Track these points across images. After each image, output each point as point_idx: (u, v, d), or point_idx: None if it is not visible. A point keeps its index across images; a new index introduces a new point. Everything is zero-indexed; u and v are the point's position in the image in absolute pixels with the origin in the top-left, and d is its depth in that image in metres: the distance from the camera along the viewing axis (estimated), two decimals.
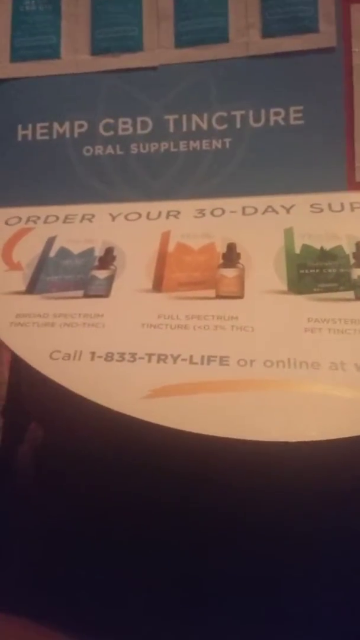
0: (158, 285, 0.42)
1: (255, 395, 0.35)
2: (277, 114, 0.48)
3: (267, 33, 0.48)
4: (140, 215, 0.47)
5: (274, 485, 0.35)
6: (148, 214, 0.47)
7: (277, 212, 0.46)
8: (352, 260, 0.41)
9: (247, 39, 0.48)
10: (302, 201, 0.46)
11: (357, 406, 0.34)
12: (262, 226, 0.45)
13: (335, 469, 0.34)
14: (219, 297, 0.41)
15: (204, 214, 0.46)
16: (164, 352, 0.37)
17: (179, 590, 0.37)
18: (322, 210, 0.45)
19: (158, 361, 0.37)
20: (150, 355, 0.37)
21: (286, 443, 0.33)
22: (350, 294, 0.39)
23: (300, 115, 0.47)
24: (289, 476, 0.34)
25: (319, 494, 0.35)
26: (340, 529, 0.36)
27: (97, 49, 0.50)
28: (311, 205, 0.45)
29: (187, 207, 0.47)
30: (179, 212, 0.47)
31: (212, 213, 0.46)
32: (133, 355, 0.37)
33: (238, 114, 0.48)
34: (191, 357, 0.37)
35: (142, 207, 0.48)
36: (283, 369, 0.36)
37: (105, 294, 0.41)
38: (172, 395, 0.35)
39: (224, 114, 0.48)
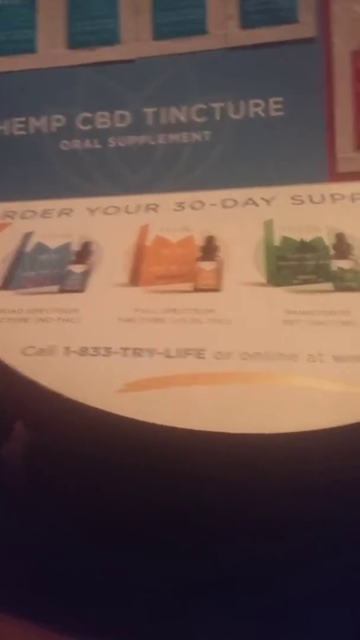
0: (135, 279, 0.41)
1: (231, 387, 0.34)
2: (256, 105, 0.47)
3: (245, 24, 0.47)
4: (118, 209, 0.47)
5: (253, 477, 0.34)
6: (127, 208, 0.47)
7: (257, 205, 0.45)
8: (332, 252, 0.41)
9: (226, 31, 0.48)
10: (282, 193, 0.45)
11: (334, 398, 0.33)
12: (242, 219, 0.44)
13: (312, 460, 0.33)
14: (196, 290, 0.40)
15: (183, 207, 0.46)
16: (139, 346, 0.36)
17: (168, 589, 0.37)
18: (302, 202, 0.44)
19: (133, 355, 0.36)
20: (125, 349, 0.36)
21: (261, 435, 0.32)
22: (329, 286, 0.39)
23: (280, 106, 0.47)
24: (266, 468, 0.34)
25: (296, 485, 0.34)
26: (320, 521, 0.36)
27: (74, 43, 0.49)
28: (292, 197, 0.45)
29: (167, 200, 0.47)
30: (158, 206, 0.46)
31: (191, 206, 0.46)
32: (108, 349, 0.36)
33: (217, 106, 0.48)
34: (167, 350, 0.36)
35: (121, 200, 0.47)
36: (260, 361, 0.35)
37: (81, 288, 0.40)
38: (147, 389, 0.35)
39: (203, 106, 0.48)
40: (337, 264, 0.40)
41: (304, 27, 0.46)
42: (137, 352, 0.36)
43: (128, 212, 0.46)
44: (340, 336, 0.36)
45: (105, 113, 0.49)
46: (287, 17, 0.46)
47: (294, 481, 0.33)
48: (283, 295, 0.39)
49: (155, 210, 0.46)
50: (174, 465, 0.35)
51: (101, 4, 0.49)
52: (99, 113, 0.49)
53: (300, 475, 0.33)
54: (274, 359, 0.35)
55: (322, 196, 0.44)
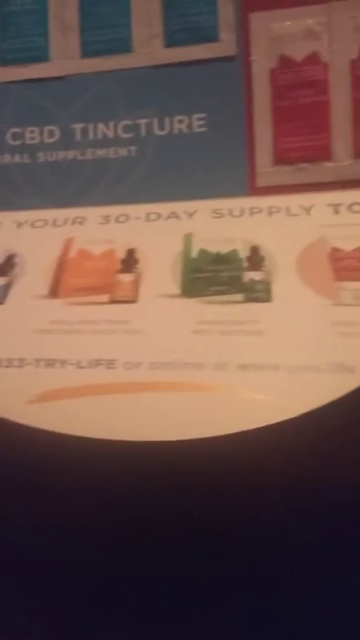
0: (55, 291, 0.42)
1: (138, 397, 0.35)
2: (180, 121, 0.48)
3: (169, 43, 0.49)
4: (46, 222, 0.48)
5: (159, 483, 0.35)
6: (54, 221, 0.47)
7: (179, 218, 0.46)
8: (246, 264, 0.42)
9: (151, 49, 0.49)
10: (204, 207, 0.46)
11: (237, 405, 0.35)
12: (164, 232, 0.45)
13: (215, 465, 0.34)
14: (113, 302, 0.41)
15: (108, 221, 0.47)
16: (52, 357, 0.37)
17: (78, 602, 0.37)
18: (222, 216, 0.46)
19: (46, 366, 0.37)
20: (38, 361, 0.37)
21: (166, 442, 0.33)
22: (240, 297, 0.40)
23: (203, 122, 0.48)
24: (172, 474, 0.35)
25: (201, 489, 0.35)
26: (225, 521, 0.36)
27: (5, 60, 0.50)
28: (213, 211, 0.46)
29: (93, 213, 0.48)
30: (85, 219, 0.47)
31: (116, 219, 0.47)
32: (21, 360, 0.37)
33: (143, 122, 0.49)
34: (79, 361, 0.37)
35: (49, 214, 0.48)
36: (168, 370, 0.36)
37: (1, 300, 0.41)
38: (56, 400, 0.36)
39: (129, 122, 0.49)
40: (249, 276, 0.41)
41: (225, 45, 0.48)
42: (50, 363, 0.37)
43: (55, 226, 0.47)
44: (246, 345, 0.37)
45: (35, 128, 0.50)
46: (209, 36, 0.48)
47: (199, 485, 0.35)
48: (195, 306, 0.40)
49: (81, 223, 0.47)
50: (83, 474, 0.36)
51: (31, 22, 0.50)
52: (29, 128, 0.50)
53: (205, 479, 0.34)
54: (182, 368, 0.36)
55: (242, 210, 0.46)
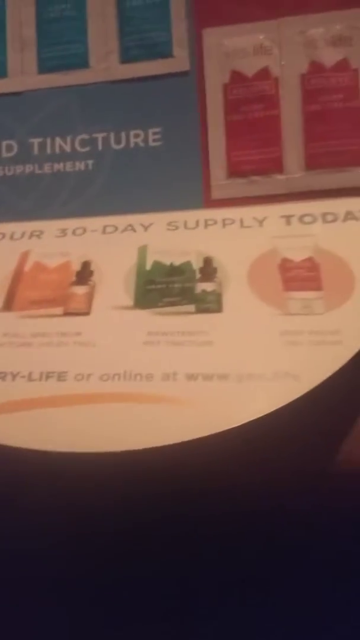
0: (9, 304, 0.42)
1: (87, 408, 0.36)
2: (137, 135, 0.49)
3: (125, 58, 0.50)
4: (4, 235, 0.48)
5: (108, 493, 0.36)
6: (12, 235, 0.48)
7: (135, 231, 0.47)
8: (199, 275, 0.42)
9: (107, 65, 0.50)
10: (160, 219, 0.47)
11: (182, 413, 0.35)
12: (120, 244, 0.46)
13: (161, 475, 0.35)
14: (66, 314, 0.41)
15: (65, 234, 0.47)
16: (3, 370, 0.38)
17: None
18: (177, 228, 0.46)
19: None
20: None
21: (114, 453, 0.34)
22: (192, 308, 0.40)
23: (158, 136, 0.49)
24: (121, 484, 0.35)
25: (149, 498, 0.35)
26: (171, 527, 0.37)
27: None
28: (168, 223, 0.47)
29: (51, 227, 0.48)
30: (42, 232, 0.48)
31: (73, 232, 0.47)
32: None
33: (100, 136, 0.50)
34: (30, 374, 0.37)
35: (6, 227, 0.48)
36: (118, 381, 0.37)
37: None
38: (6, 413, 0.36)
39: (86, 136, 0.50)
40: (201, 287, 0.41)
41: (179, 61, 0.49)
42: (1, 376, 0.37)
43: (13, 239, 0.47)
44: (195, 356, 0.37)
45: None
46: (163, 52, 0.49)
47: (146, 494, 0.35)
48: (147, 318, 0.40)
49: (39, 236, 0.47)
50: (34, 487, 0.36)
51: None
52: None
53: (151, 488, 0.35)
54: (132, 379, 0.37)
55: (197, 222, 0.46)
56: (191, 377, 0.36)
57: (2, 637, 0.38)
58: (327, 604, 0.37)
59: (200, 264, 0.43)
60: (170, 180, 0.48)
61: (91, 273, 0.44)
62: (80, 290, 0.43)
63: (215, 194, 0.48)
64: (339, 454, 0.36)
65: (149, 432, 0.35)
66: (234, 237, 0.45)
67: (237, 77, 0.47)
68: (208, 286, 0.42)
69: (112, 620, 0.38)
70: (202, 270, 0.43)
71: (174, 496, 0.36)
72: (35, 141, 0.50)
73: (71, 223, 0.48)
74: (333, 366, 0.36)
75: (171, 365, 0.37)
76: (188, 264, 0.43)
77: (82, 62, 0.50)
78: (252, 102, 0.47)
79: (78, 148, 0.50)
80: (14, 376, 0.37)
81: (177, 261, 0.44)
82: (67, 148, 0.50)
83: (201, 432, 0.34)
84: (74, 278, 0.43)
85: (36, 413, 0.36)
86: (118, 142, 0.49)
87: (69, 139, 0.50)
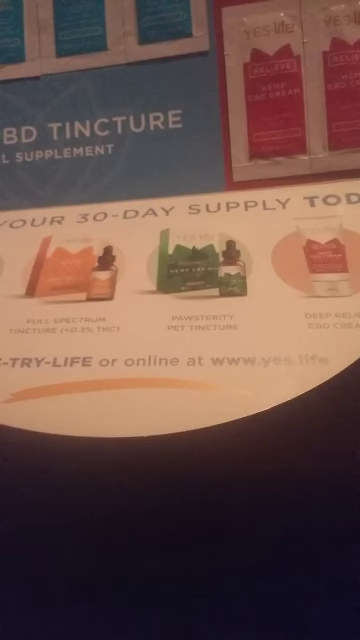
0: (31, 290, 0.42)
1: (114, 393, 0.36)
2: (156, 118, 0.49)
3: (143, 40, 0.49)
4: (25, 222, 0.48)
5: (138, 478, 0.36)
6: (33, 221, 0.48)
7: (156, 215, 0.46)
8: (221, 258, 0.42)
9: (125, 47, 0.49)
10: (181, 203, 0.47)
11: (208, 398, 0.35)
12: (141, 229, 0.46)
13: (186, 460, 0.34)
14: (89, 299, 0.41)
15: (86, 219, 0.47)
16: (28, 356, 0.38)
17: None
18: (199, 211, 0.46)
19: (22, 365, 0.37)
20: (14, 360, 0.37)
21: (142, 438, 0.34)
22: (215, 291, 0.40)
23: (178, 119, 0.48)
24: (149, 469, 0.35)
25: (180, 482, 0.35)
26: (203, 514, 0.37)
27: None
28: (189, 207, 0.46)
29: (72, 212, 0.48)
30: (63, 218, 0.47)
31: (94, 218, 0.47)
32: None
33: (119, 119, 0.49)
34: (55, 359, 0.37)
35: (28, 214, 0.48)
36: (143, 366, 0.36)
37: None
38: (32, 399, 0.36)
39: (106, 120, 0.49)
40: (225, 270, 0.41)
41: (198, 41, 0.48)
42: (26, 362, 0.37)
43: (34, 225, 0.47)
44: (220, 340, 0.37)
45: (12, 129, 0.50)
46: (182, 32, 0.48)
47: (174, 478, 0.35)
48: (171, 302, 0.40)
49: (60, 222, 0.47)
50: (61, 472, 0.36)
51: (5, 23, 0.50)
52: (6, 129, 0.50)
53: (180, 473, 0.35)
54: (157, 364, 0.37)
55: (218, 205, 0.46)
56: (217, 361, 0.36)
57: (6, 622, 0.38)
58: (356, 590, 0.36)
59: (223, 247, 0.43)
60: (191, 162, 0.48)
61: (113, 258, 0.43)
62: (103, 275, 0.42)
63: (237, 176, 0.47)
64: None
65: (175, 417, 0.34)
66: (256, 220, 0.44)
67: (257, 56, 0.46)
68: (232, 269, 0.41)
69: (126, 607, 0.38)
70: (225, 253, 0.42)
71: (200, 481, 0.36)
72: (55, 126, 0.50)
73: (92, 208, 0.48)
74: None
75: (196, 350, 0.37)
76: (211, 247, 0.43)
77: (100, 45, 0.49)
78: (273, 82, 0.46)
79: (97, 132, 0.49)
80: (38, 362, 0.37)
81: (200, 245, 0.43)
82: (87, 132, 0.49)
83: (228, 417, 0.34)
84: (96, 263, 0.43)
85: (61, 398, 0.36)
86: (138, 125, 0.49)
87: (88, 123, 0.49)
